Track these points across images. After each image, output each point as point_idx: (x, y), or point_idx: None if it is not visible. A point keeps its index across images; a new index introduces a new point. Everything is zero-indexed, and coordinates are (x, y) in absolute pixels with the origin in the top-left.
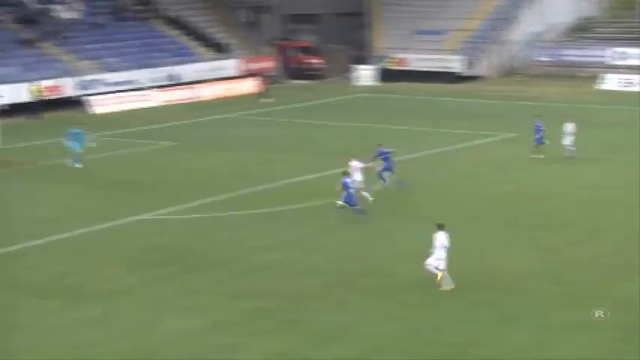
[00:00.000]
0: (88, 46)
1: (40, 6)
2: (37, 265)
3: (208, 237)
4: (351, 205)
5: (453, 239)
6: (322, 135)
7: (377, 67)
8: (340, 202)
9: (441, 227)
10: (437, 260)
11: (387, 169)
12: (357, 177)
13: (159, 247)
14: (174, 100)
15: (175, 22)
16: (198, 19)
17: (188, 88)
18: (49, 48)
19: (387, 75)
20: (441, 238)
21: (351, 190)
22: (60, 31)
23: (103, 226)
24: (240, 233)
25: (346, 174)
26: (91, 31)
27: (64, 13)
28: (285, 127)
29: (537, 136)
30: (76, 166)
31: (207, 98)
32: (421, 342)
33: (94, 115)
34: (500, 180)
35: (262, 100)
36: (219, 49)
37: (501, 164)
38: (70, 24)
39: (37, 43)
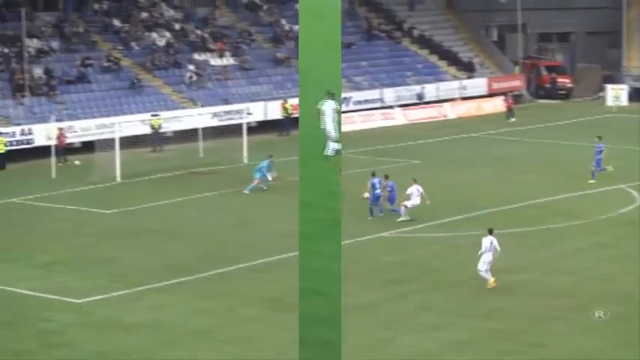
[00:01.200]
0: None
1: (292, 25)
2: (280, 279)
3: (450, 255)
4: (371, 203)
5: None
6: (568, 155)
7: (629, 86)
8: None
9: (490, 232)
10: (483, 263)
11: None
12: (415, 201)
13: (399, 265)
14: (419, 119)
15: (425, 42)
16: (447, 37)
17: (434, 106)
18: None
19: (639, 95)
20: (485, 242)
21: (377, 192)
22: None
23: (344, 242)
24: None
25: (374, 175)
26: (342, 50)
27: None
28: (531, 146)
29: (597, 158)
30: (246, 192)
31: (453, 117)
32: None
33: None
34: None
35: (511, 120)
36: (468, 68)
37: None
38: None
39: (289, 62)
